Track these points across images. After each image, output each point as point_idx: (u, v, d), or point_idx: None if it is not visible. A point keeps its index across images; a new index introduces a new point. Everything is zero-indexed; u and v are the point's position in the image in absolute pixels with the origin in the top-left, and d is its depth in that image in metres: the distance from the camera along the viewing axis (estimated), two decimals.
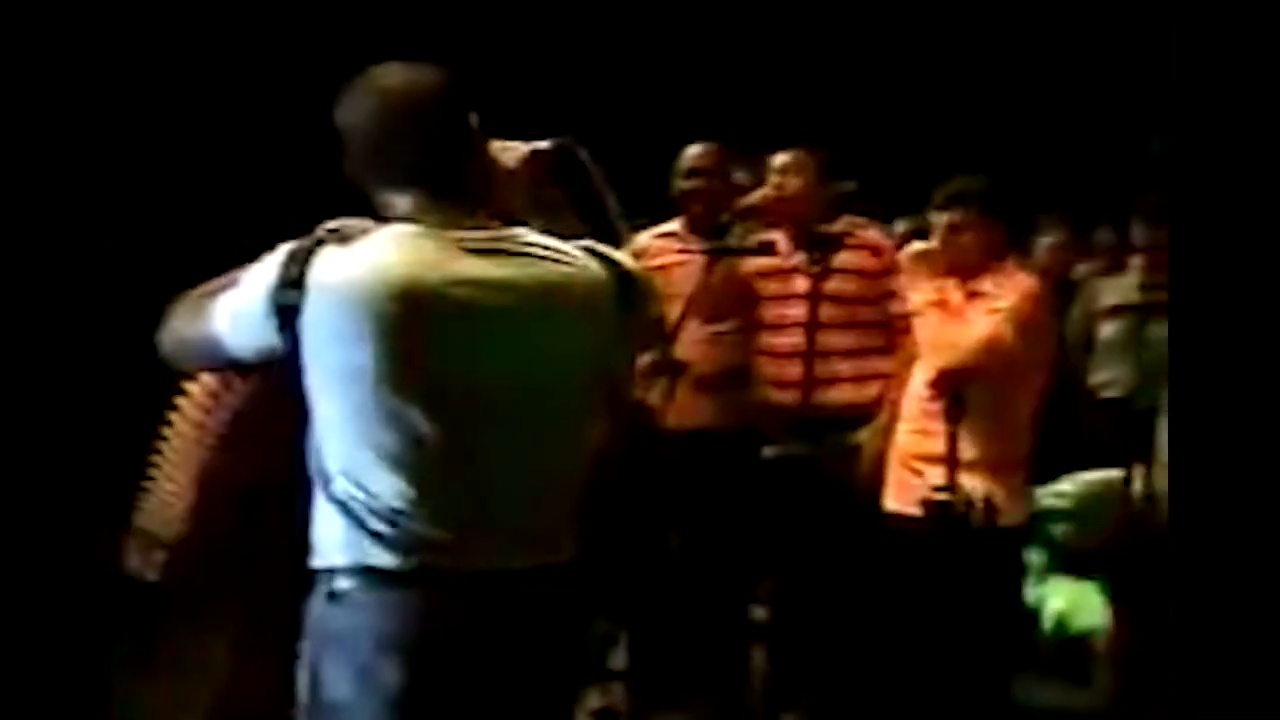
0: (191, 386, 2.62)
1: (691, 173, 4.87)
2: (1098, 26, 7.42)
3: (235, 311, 2.39)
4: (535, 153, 2.60)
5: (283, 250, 2.38)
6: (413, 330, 2.33)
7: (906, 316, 4.61)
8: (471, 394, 2.36)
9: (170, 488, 2.65)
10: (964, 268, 4.31)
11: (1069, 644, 5.12)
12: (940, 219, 4.33)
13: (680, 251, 4.76)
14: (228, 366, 2.46)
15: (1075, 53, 7.49)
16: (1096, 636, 5.11)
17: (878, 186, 5.28)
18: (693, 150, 4.90)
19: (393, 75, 2.42)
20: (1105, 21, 7.36)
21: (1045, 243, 5.89)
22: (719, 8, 7.64)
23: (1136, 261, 5.24)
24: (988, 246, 4.31)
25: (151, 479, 2.66)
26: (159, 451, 2.65)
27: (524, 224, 2.49)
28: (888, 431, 4.53)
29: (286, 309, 2.33)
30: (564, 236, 2.49)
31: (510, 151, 2.59)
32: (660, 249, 4.82)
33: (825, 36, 7.67)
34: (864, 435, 4.62)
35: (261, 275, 2.37)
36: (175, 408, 2.60)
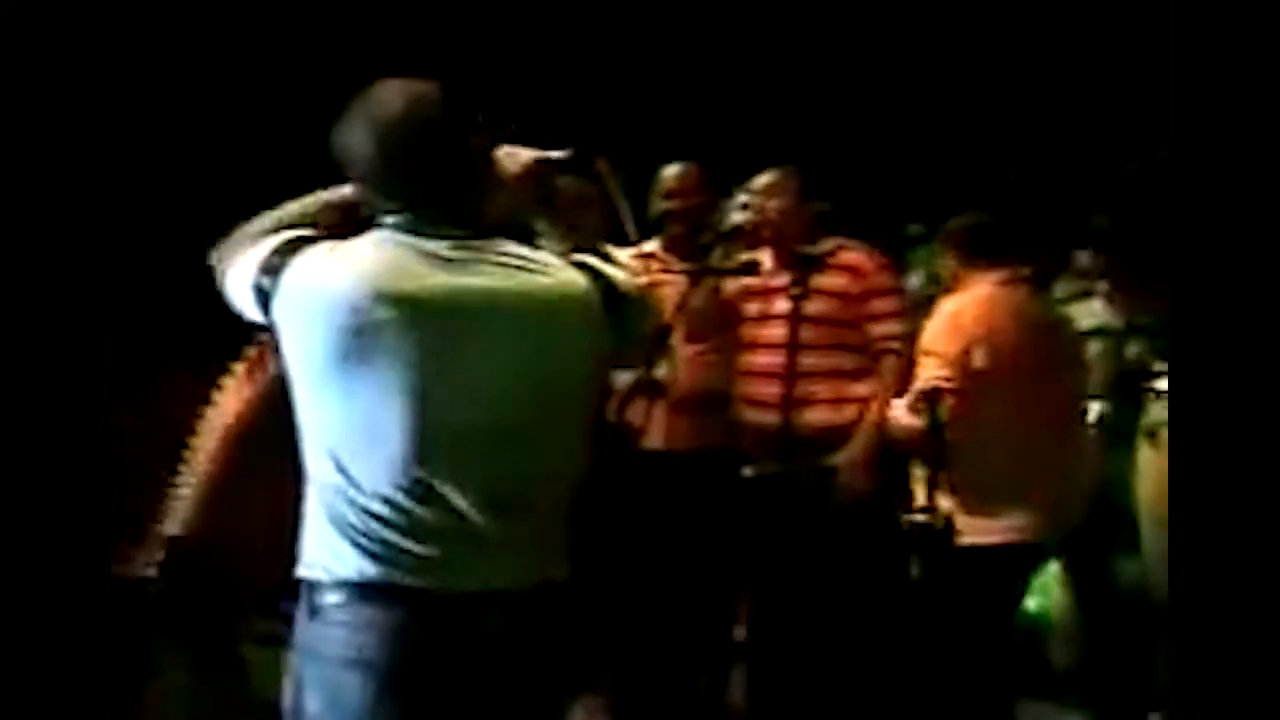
0: (223, 393, 2.67)
1: (670, 193, 4.86)
2: (1074, 50, 7.44)
3: (237, 275, 2.44)
4: (542, 160, 2.62)
5: (282, 236, 2.43)
6: (385, 336, 2.34)
7: (891, 339, 4.62)
8: (450, 403, 2.36)
9: (185, 489, 2.70)
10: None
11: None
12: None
13: (661, 271, 4.75)
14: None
15: (1052, 76, 7.51)
16: (1050, 615, 5.18)
17: (860, 206, 5.30)
18: (671, 170, 4.90)
19: (389, 97, 2.44)
20: (1081, 46, 7.39)
21: None
22: (699, 27, 7.64)
23: (1103, 286, 5.27)
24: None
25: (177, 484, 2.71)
26: (186, 459, 2.69)
27: (525, 228, 2.51)
28: (870, 452, 4.55)
29: (262, 293, 2.40)
30: (575, 243, 2.51)
31: (516, 157, 2.60)
32: (640, 269, 4.80)
33: (806, 58, 7.68)
34: (839, 458, 4.60)
35: (258, 252, 2.42)
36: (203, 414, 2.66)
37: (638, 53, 7.56)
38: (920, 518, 4.33)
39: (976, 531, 4.25)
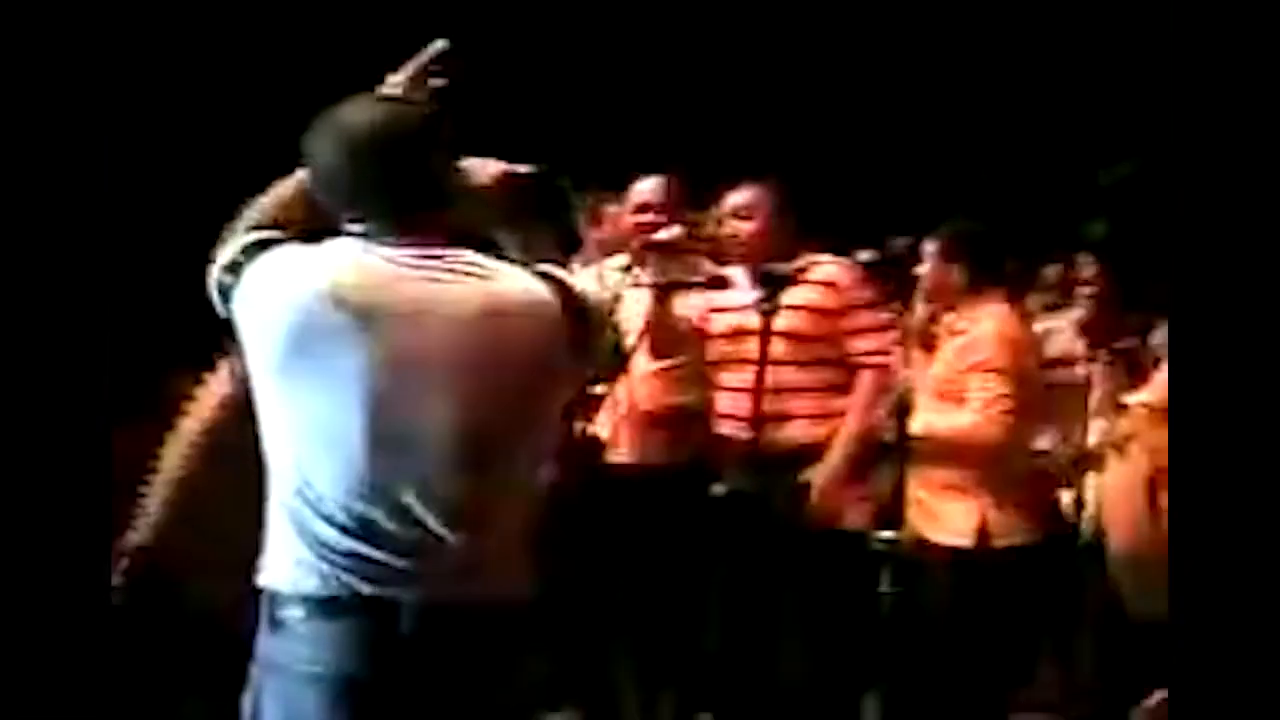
0: (198, 399, 2.67)
1: (643, 206, 4.85)
2: (1045, 60, 7.47)
3: (212, 269, 2.46)
4: (510, 174, 2.64)
5: (250, 237, 2.44)
6: (342, 340, 2.34)
7: (871, 354, 4.63)
8: (409, 409, 2.35)
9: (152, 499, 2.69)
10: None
11: None
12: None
13: (632, 285, 4.73)
14: None
15: (1024, 86, 7.54)
16: None
17: (835, 218, 5.29)
18: (644, 183, 4.88)
19: (355, 112, 2.46)
20: (1053, 56, 7.42)
21: None
22: (678, 38, 7.65)
23: (1084, 291, 5.28)
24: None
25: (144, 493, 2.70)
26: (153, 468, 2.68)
27: (489, 238, 2.52)
28: (844, 467, 4.58)
29: (224, 292, 2.43)
30: (535, 255, 2.51)
31: (485, 169, 2.63)
32: (607, 284, 4.79)
33: (789, 69, 7.69)
34: (813, 474, 4.60)
35: (225, 251, 2.44)
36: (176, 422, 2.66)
37: (616, 64, 7.56)
38: (888, 535, 4.39)
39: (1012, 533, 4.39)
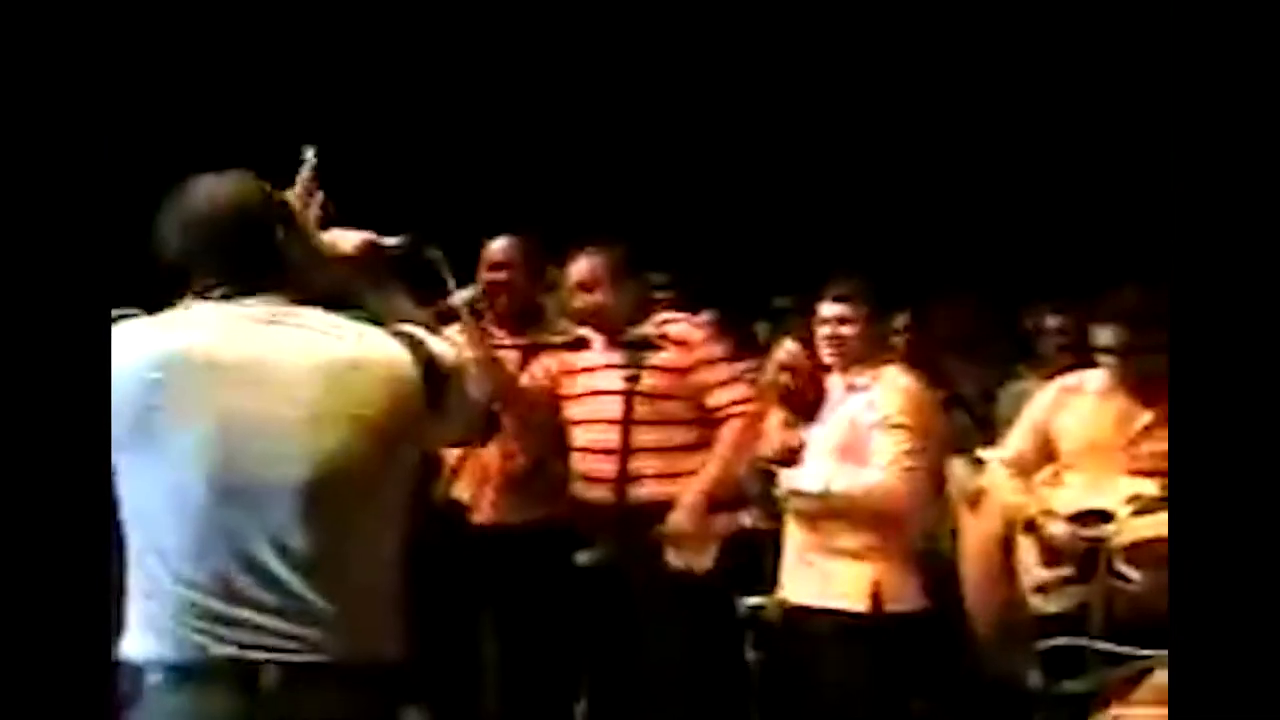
0: None
1: (496, 265, 4.85)
2: (963, 103, 7.55)
3: None
4: (373, 243, 2.73)
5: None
6: (186, 399, 2.35)
7: (733, 404, 4.66)
8: (258, 464, 2.35)
9: None
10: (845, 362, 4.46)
11: None
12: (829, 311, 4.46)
13: (494, 345, 4.73)
14: None
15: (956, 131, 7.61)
16: None
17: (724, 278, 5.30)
18: (496, 243, 4.88)
19: (194, 193, 2.52)
20: (970, 98, 7.51)
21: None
22: (547, 94, 7.67)
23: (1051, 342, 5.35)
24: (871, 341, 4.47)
25: None
26: None
27: (356, 304, 2.54)
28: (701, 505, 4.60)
29: None
30: (394, 320, 2.53)
31: (346, 239, 2.71)
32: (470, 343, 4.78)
33: (658, 127, 7.73)
34: (669, 523, 4.60)
35: None
36: None
37: (483, 125, 7.57)
38: (754, 601, 4.38)
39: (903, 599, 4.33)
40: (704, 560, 4.61)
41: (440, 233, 3.14)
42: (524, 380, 4.74)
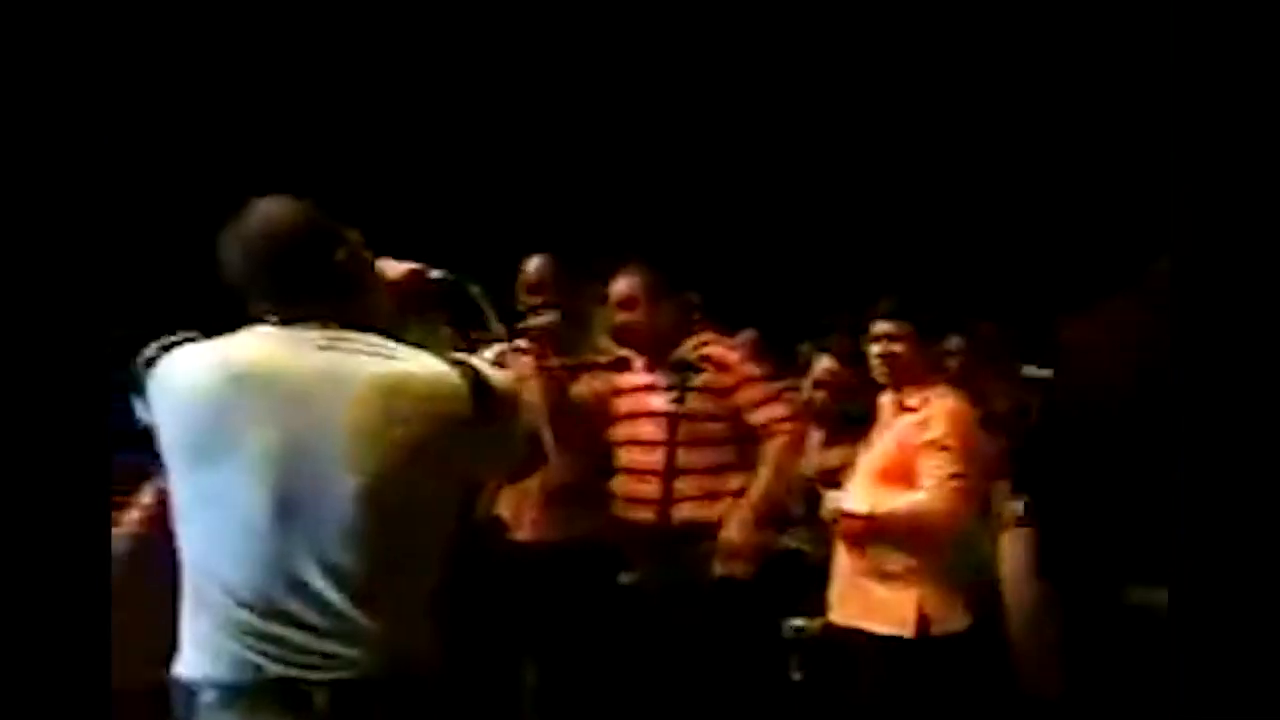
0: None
1: (533, 287, 4.84)
2: (1007, 123, 7.55)
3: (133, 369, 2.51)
4: (418, 273, 2.78)
5: (170, 337, 2.52)
6: (246, 422, 2.39)
7: (775, 421, 4.66)
8: (312, 486, 2.38)
9: None
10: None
11: None
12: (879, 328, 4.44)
13: (535, 366, 4.73)
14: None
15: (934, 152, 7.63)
16: None
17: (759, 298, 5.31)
18: (532, 263, 4.87)
19: (256, 216, 2.56)
20: (1012, 119, 7.51)
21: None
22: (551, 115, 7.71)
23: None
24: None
25: None
26: None
27: (392, 330, 2.58)
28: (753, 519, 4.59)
29: (139, 387, 2.49)
30: (440, 350, 2.58)
31: (392, 268, 2.76)
32: (514, 365, 4.79)
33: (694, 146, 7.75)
34: (725, 534, 4.60)
35: (146, 350, 2.51)
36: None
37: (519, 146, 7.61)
38: (798, 623, 4.36)
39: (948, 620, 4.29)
40: (749, 568, 4.61)
41: (475, 257, 3.17)
42: (568, 400, 4.74)
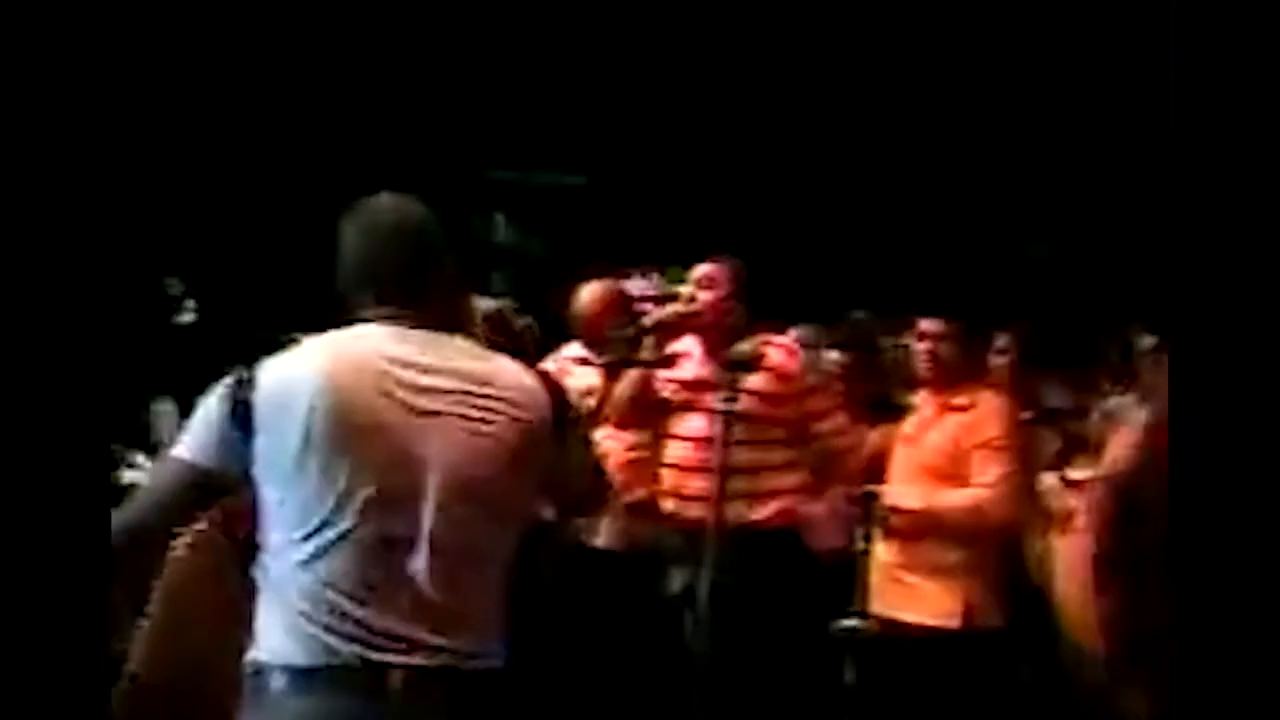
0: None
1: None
2: (977, 132, 7.58)
3: (191, 427, 2.51)
4: (503, 313, 3.06)
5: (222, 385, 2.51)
6: (354, 415, 2.43)
7: (837, 432, 4.72)
8: (400, 472, 2.44)
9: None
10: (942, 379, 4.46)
11: None
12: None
13: (581, 364, 4.78)
14: (193, 492, 2.53)
15: (954, 158, 7.64)
16: None
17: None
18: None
19: (383, 207, 2.63)
20: (983, 127, 7.53)
21: None
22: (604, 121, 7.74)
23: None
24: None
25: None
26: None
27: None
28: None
29: (242, 408, 2.46)
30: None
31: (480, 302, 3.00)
32: (562, 370, 4.83)
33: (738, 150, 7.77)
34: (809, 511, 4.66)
35: (214, 393, 2.49)
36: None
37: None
38: (850, 623, 4.38)
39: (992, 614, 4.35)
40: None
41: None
42: (621, 396, 4.78)
